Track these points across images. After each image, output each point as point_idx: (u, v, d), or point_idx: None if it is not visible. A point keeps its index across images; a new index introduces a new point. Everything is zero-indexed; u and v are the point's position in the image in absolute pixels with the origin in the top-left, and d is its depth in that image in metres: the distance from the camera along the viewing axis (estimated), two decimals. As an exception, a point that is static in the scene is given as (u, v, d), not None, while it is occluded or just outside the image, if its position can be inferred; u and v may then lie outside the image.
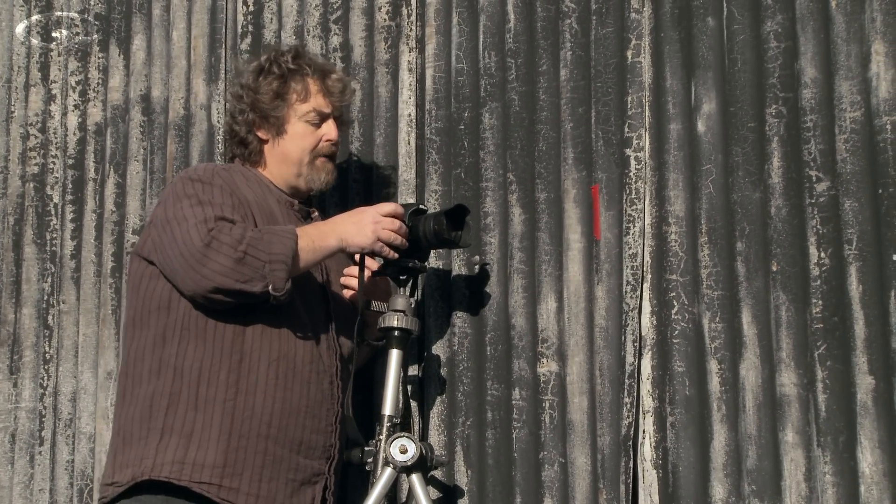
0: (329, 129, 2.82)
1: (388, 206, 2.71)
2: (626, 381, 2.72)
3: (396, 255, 2.70)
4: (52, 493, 3.59)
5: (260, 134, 2.82)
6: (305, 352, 2.65)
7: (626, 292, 2.76)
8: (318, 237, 2.62)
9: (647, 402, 2.71)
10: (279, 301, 2.55)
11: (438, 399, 3.00)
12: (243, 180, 2.77)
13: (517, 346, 2.91)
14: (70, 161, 3.78)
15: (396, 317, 2.77)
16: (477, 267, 2.99)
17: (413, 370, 3.02)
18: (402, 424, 2.78)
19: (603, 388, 2.77)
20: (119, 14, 3.79)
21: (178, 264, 2.54)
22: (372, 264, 2.80)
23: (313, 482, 2.64)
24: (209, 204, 2.58)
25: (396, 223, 2.68)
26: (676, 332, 2.69)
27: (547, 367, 2.86)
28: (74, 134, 3.79)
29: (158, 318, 2.63)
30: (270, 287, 2.51)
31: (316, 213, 2.90)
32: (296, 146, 2.79)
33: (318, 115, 2.80)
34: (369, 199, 3.16)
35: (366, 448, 2.76)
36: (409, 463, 2.66)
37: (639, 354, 2.73)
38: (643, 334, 2.73)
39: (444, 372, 3.00)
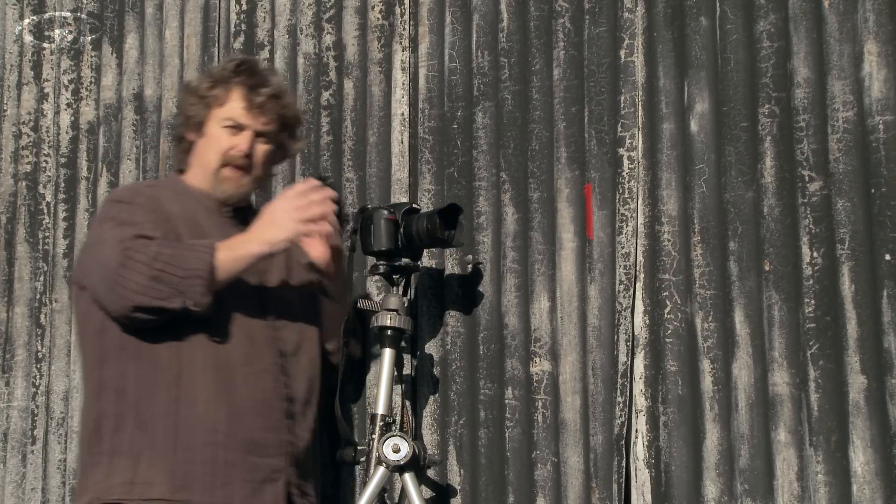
0: (241, 140, 2.72)
1: (296, 188, 2.62)
2: (619, 380, 2.72)
3: (330, 228, 2.60)
4: (45, 493, 3.59)
5: (189, 136, 2.79)
6: (241, 353, 2.62)
7: (618, 291, 2.76)
8: (238, 246, 2.57)
9: (640, 402, 2.71)
10: (201, 315, 2.54)
11: (431, 398, 3.00)
12: (171, 195, 2.74)
13: (510, 345, 2.91)
14: (63, 160, 3.77)
15: (389, 316, 2.77)
16: (470, 266, 2.99)
17: (406, 369, 3.02)
18: (394, 423, 2.79)
19: (596, 388, 2.77)
20: (112, 13, 3.79)
21: (100, 287, 2.55)
22: (316, 245, 2.64)
23: (274, 479, 2.61)
24: (129, 224, 2.58)
25: (312, 197, 2.59)
26: (669, 332, 2.70)
27: (539, 366, 2.86)
28: (67, 132, 3.79)
29: (96, 341, 2.64)
30: (189, 302, 2.50)
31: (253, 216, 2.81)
32: (209, 149, 2.74)
33: (235, 123, 2.72)
34: (363, 199, 3.16)
35: (359, 447, 2.76)
36: (402, 462, 2.67)
37: (631, 354, 2.73)
38: (636, 333, 2.74)
39: (436, 371, 3.00)
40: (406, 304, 2.84)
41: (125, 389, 2.58)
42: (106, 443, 2.58)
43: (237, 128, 2.72)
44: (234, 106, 2.72)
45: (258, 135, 2.73)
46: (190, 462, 2.54)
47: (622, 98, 2.81)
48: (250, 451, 2.58)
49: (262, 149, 2.74)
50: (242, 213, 2.79)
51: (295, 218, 2.57)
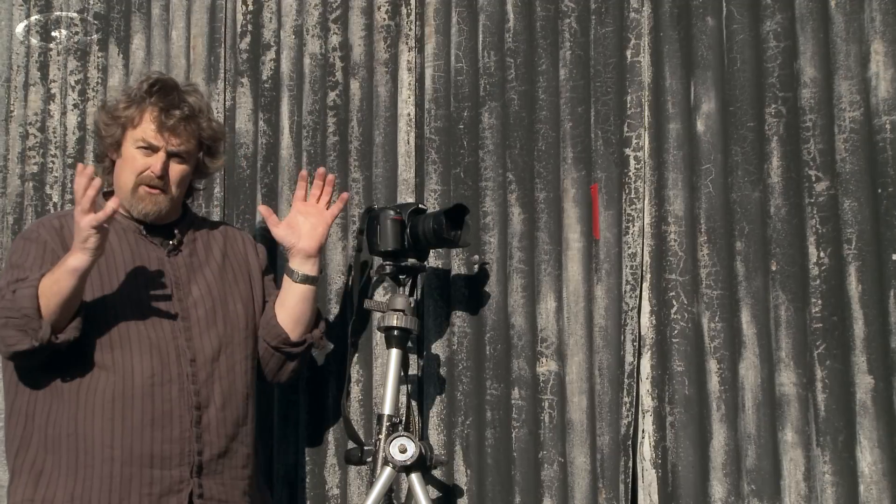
0: (154, 161, 2.74)
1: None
2: (626, 380, 2.72)
3: (111, 208, 2.55)
4: (52, 493, 3.59)
5: (110, 155, 2.82)
6: (145, 366, 2.65)
7: (625, 292, 2.76)
8: (57, 267, 2.59)
9: (647, 402, 2.71)
10: (63, 344, 2.57)
11: (438, 398, 3.00)
12: None
13: (516, 345, 2.91)
14: (69, 160, 3.78)
15: (396, 316, 2.78)
16: (476, 266, 2.99)
17: (412, 370, 3.02)
18: (401, 424, 2.79)
19: (602, 388, 2.77)
20: (118, 13, 3.79)
21: None
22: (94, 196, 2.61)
23: (177, 490, 2.63)
24: (18, 267, 2.66)
25: (77, 187, 2.58)
26: (676, 332, 2.69)
27: (546, 366, 2.86)
28: (73, 133, 3.79)
29: (12, 371, 2.71)
30: (34, 341, 2.54)
31: (177, 233, 2.83)
32: (125, 169, 2.77)
33: (147, 144, 2.74)
34: (369, 199, 3.16)
35: (365, 447, 2.76)
36: (409, 462, 2.67)
37: (638, 354, 2.73)
38: (642, 334, 2.73)
39: (443, 371, 3.00)
40: (412, 305, 2.84)
41: (34, 413, 2.66)
42: (12, 463, 2.69)
43: (150, 149, 2.75)
44: (147, 127, 2.75)
45: (172, 155, 2.76)
46: (89, 480, 2.60)
47: (628, 98, 2.81)
48: (150, 464, 2.62)
49: (177, 169, 2.77)
50: (169, 228, 2.81)
51: (78, 213, 2.56)
